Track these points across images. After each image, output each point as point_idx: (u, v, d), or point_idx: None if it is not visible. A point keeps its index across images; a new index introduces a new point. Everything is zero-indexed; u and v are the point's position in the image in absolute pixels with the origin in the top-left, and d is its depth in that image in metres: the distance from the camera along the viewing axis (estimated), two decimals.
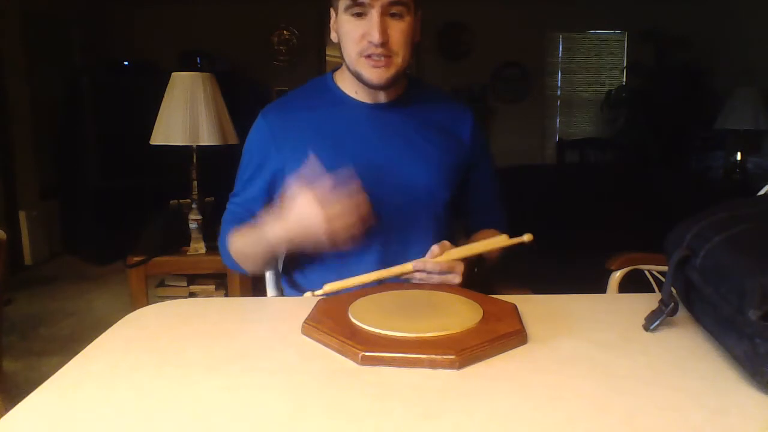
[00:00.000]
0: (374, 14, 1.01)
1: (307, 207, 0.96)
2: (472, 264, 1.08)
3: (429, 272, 1.01)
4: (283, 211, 1.01)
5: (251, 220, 1.15)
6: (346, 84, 1.16)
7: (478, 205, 1.28)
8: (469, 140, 1.21)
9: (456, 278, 1.01)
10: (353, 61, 1.07)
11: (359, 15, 1.03)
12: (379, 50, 1.03)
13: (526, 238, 1.05)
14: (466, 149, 1.21)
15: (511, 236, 1.08)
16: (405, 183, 1.13)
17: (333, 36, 1.12)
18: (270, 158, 1.17)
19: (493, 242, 1.08)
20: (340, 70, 1.17)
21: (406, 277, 1.03)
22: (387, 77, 1.07)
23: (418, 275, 1.02)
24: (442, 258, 1.02)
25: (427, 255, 1.02)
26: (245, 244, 1.15)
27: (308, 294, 1.04)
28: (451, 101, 1.25)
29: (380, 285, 0.98)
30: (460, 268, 1.02)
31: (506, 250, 1.11)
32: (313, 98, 1.18)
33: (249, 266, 1.20)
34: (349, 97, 1.16)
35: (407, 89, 1.19)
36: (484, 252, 1.09)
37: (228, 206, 1.24)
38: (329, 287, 1.01)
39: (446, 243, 1.04)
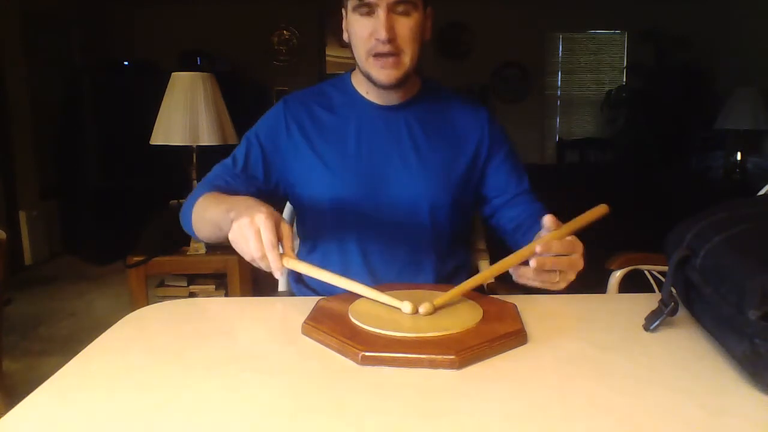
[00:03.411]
0: (381, 12, 1.03)
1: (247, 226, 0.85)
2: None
3: (555, 254, 0.84)
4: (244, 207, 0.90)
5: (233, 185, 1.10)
6: (359, 84, 1.18)
7: (506, 203, 1.20)
8: (482, 142, 1.18)
9: (580, 260, 0.86)
10: (363, 61, 1.09)
11: (367, 14, 1.04)
12: (387, 48, 1.04)
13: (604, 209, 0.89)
14: (479, 152, 1.18)
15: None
16: (401, 184, 1.13)
17: (345, 36, 1.13)
18: (278, 139, 1.16)
19: (594, 212, 0.89)
20: (356, 70, 1.18)
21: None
22: (396, 77, 1.07)
23: (533, 263, 0.83)
24: (560, 232, 0.85)
25: (543, 231, 0.88)
26: (207, 206, 1.05)
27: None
28: (466, 104, 1.22)
29: (380, 285, 0.97)
30: (581, 247, 0.86)
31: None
32: (329, 94, 1.21)
33: (201, 229, 1.10)
34: (360, 96, 1.18)
35: (421, 91, 1.19)
36: (582, 227, 0.89)
37: (214, 168, 1.18)
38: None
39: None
